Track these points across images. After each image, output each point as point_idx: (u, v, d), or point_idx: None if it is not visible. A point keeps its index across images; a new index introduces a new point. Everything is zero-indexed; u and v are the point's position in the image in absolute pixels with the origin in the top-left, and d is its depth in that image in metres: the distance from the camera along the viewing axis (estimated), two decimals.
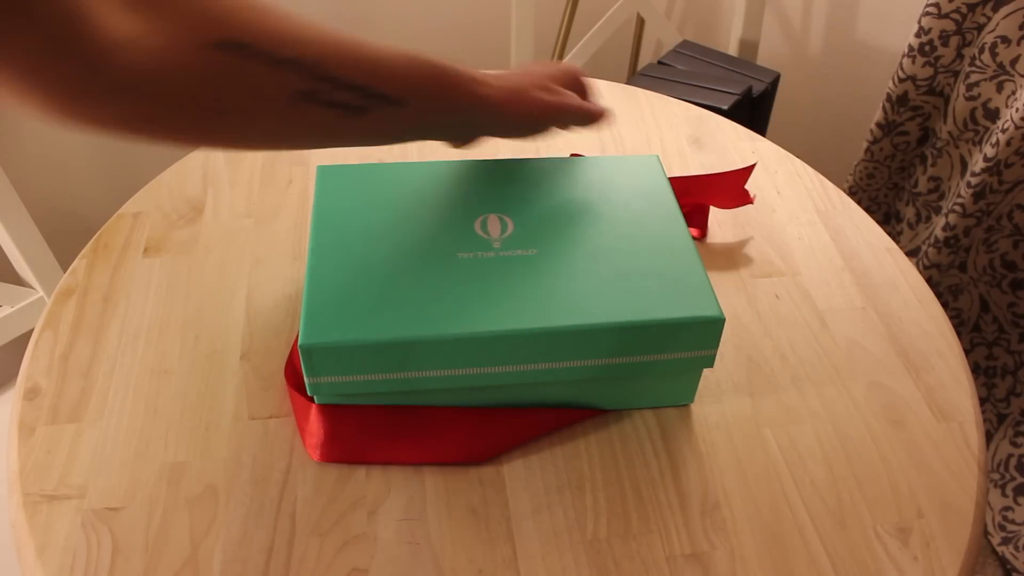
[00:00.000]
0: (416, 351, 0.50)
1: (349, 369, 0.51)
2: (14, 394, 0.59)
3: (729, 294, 0.67)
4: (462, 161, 0.63)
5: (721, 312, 0.52)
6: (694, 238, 0.69)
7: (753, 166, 0.73)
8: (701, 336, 0.53)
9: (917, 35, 1.13)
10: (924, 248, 1.19)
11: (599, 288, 0.53)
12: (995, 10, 1.06)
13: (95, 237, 0.70)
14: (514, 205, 0.59)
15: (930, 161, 1.22)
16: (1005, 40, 1.06)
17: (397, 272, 0.53)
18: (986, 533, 1.19)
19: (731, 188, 0.73)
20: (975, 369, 1.20)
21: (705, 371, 0.61)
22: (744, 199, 0.73)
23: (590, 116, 0.62)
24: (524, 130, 0.59)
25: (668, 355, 0.54)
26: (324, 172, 0.61)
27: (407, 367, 0.51)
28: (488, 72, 0.57)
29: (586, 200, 0.60)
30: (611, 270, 0.54)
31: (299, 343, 0.49)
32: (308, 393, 0.53)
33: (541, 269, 0.54)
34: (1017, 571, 1.14)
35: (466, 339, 0.50)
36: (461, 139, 0.58)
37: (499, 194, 0.60)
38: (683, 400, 0.58)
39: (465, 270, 0.54)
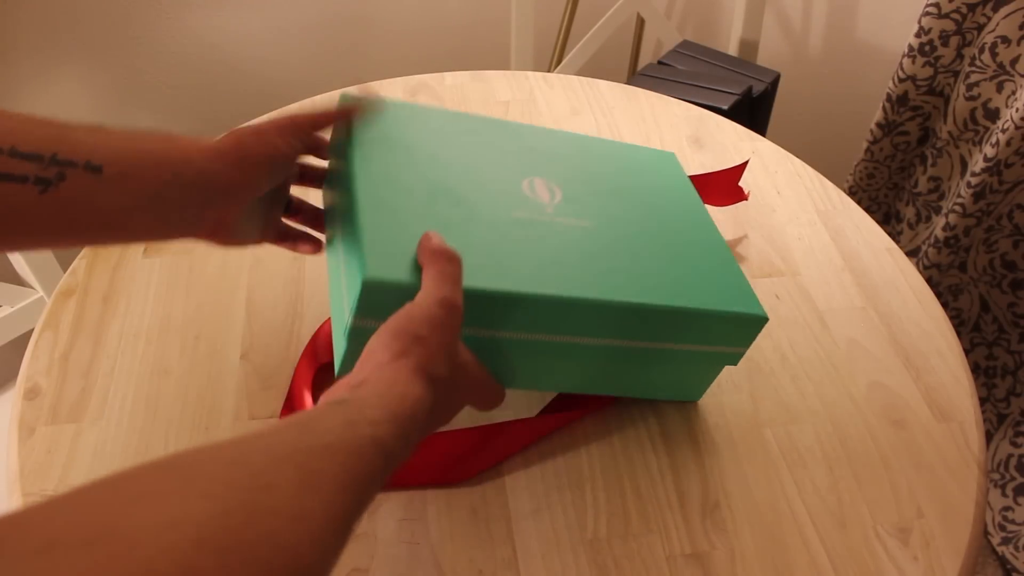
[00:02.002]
0: (474, 304, 0.46)
1: None
2: (14, 394, 0.59)
3: None
4: (498, 120, 0.61)
5: (765, 312, 0.53)
6: None
7: (746, 163, 0.73)
8: (741, 333, 0.54)
9: (917, 35, 1.13)
10: (924, 248, 1.19)
11: (654, 270, 0.53)
12: (995, 10, 1.06)
13: None
14: (557, 173, 0.58)
15: (930, 161, 1.22)
16: (1005, 40, 1.06)
17: (454, 221, 0.50)
18: (986, 533, 1.19)
19: (725, 186, 0.73)
20: (975, 369, 1.20)
21: None
22: (739, 196, 0.73)
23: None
24: (265, 175, 0.48)
25: (703, 347, 0.54)
26: (345, 100, 0.56)
27: (464, 320, 0.47)
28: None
29: (622, 182, 0.60)
30: (659, 255, 0.54)
31: (364, 277, 0.44)
32: (345, 337, 0.47)
33: (599, 243, 0.53)
34: (1017, 571, 1.14)
35: (528, 300, 0.47)
36: (186, 224, 0.47)
37: (540, 159, 0.59)
38: (692, 396, 0.58)
39: (523, 230, 0.52)
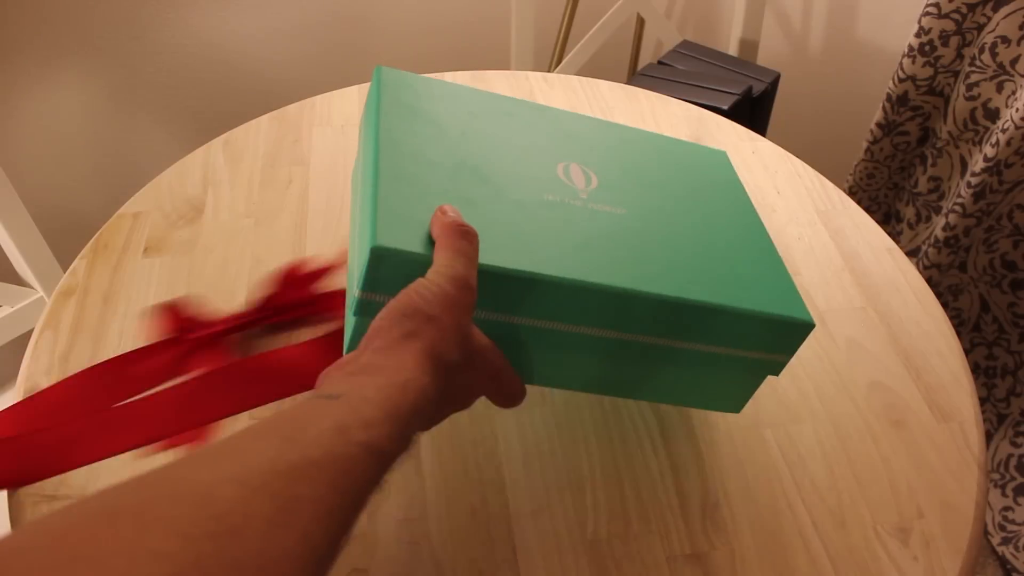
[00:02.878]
0: (495, 285, 0.44)
1: None
2: (14, 394, 0.59)
3: None
4: (538, 104, 0.58)
5: (812, 318, 0.49)
6: None
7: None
8: (785, 339, 0.50)
9: (917, 35, 1.13)
10: (924, 248, 1.19)
11: (690, 264, 0.49)
12: (995, 10, 1.06)
13: (95, 237, 0.70)
14: (595, 159, 0.55)
15: (930, 161, 1.22)
16: (1005, 40, 1.06)
17: (480, 198, 0.47)
18: (986, 533, 1.19)
19: None
20: (975, 369, 1.20)
21: None
22: None
23: None
24: None
25: (741, 351, 0.50)
26: (387, 74, 0.54)
27: (477, 302, 0.44)
28: None
29: (667, 175, 0.57)
30: (701, 251, 0.51)
31: (371, 244, 0.41)
32: (354, 314, 0.44)
33: (634, 231, 0.50)
34: (1017, 571, 1.14)
35: (552, 283, 0.44)
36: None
37: (579, 145, 0.56)
38: (732, 407, 0.54)
39: (555, 212, 0.49)
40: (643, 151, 0.58)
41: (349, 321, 0.46)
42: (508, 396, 0.46)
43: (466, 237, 0.42)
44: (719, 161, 0.61)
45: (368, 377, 0.36)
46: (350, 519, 0.31)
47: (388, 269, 0.42)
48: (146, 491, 0.26)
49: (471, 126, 0.53)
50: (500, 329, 0.46)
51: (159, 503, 0.26)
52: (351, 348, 0.45)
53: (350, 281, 0.48)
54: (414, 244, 0.42)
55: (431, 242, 0.42)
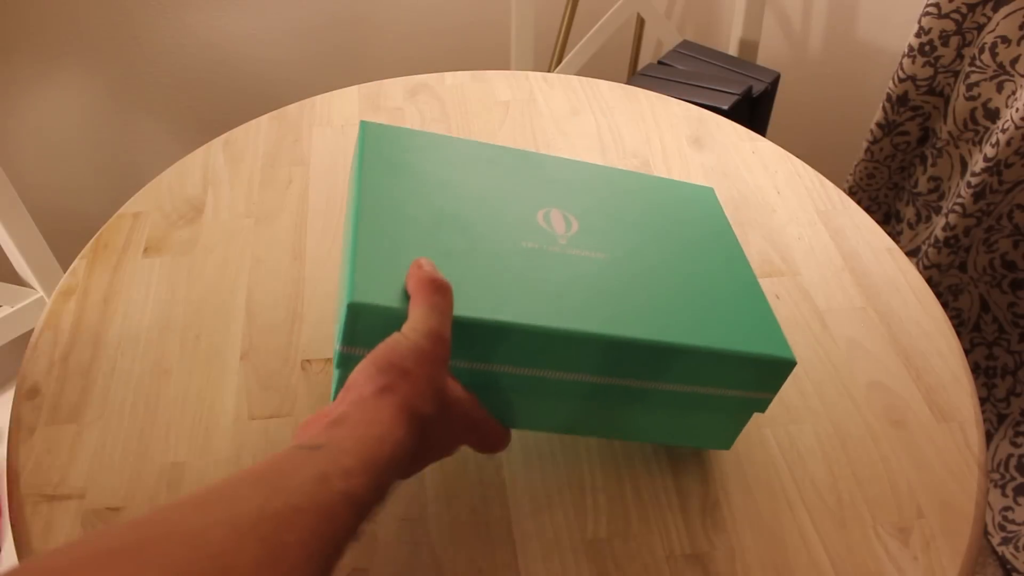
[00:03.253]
0: (472, 335, 0.45)
1: None
2: (14, 394, 0.59)
3: None
4: (521, 150, 0.59)
5: (794, 356, 0.49)
6: None
7: None
8: (767, 376, 0.49)
9: (917, 35, 1.13)
10: (924, 248, 1.19)
11: (672, 306, 0.49)
12: (995, 10, 1.06)
13: (95, 237, 0.70)
14: (577, 203, 0.55)
15: (930, 161, 1.22)
16: (1005, 40, 1.06)
17: (457, 249, 0.48)
18: (986, 533, 1.19)
19: None
20: (975, 369, 1.20)
21: None
22: None
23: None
24: None
25: (727, 391, 0.50)
26: (370, 129, 0.56)
27: (455, 354, 0.45)
28: None
29: (648, 216, 0.57)
30: (683, 291, 0.51)
31: (348, 301, 0.43)
32: (336, 365, 0.46)
33: (611, 275, 0.50)
34: (1017, 571, 1.14)
35: (526, 332, 0.45)
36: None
37: (561, 190, 0.56)
38: (720, 444, 0.54)
39: (531, 260, 0.49)
40: (627, 192, 0.59)
41: (334, 373, 0.47)
42: (490, 445, 0.47)
43: (440, 291, 0.43)
44: (705, 198, 0.61)
45: (346, 429, 0.37)
46: (331, 565, 0.32)
47: (366, 324, 0.43)
48: (142, 531, 0.28)
49: (452, 177, 0.54)
50: (481, 377, 0.47)
51: (156, 543, 0.27)
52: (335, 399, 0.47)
53: (335, 331, 0.50)
54: (390, 299, 0.44)
55: (406, 296, 0.44)
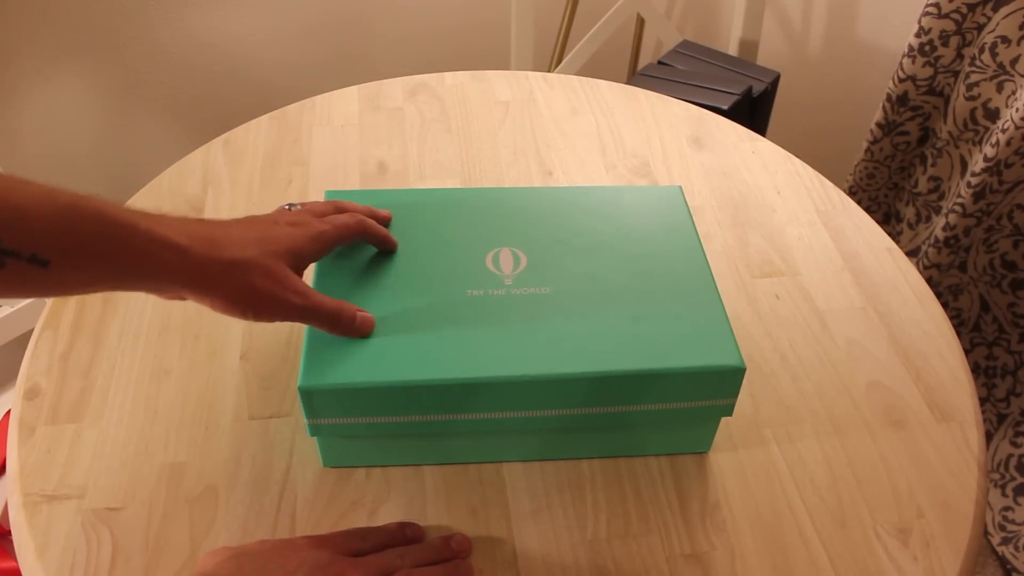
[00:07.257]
0: (420, 395, 0.49)
1: (351, 411, 0.50)
2: (14, 394, 0.59)
3: (729, 294, 0.67)
4: (476, 189, 0.61)
5: (742, 361, 0.50)
6: None
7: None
8: (720, 385, 0.50)
9: (917, 35, 1.13)
10: (924, 248, 1.19)
11: (614, 332, 0.51)
12: (995, 10, 1.06)
13: None
14: (529, 237, 0.57)
15: (930, 161, 1.22)
16: (1005, 40, 1.06)
17: (403, 311, 0.52)
18: (986, 533, 1.19)
19: None
20: (975, 369, 1.20)
21: None
22: None
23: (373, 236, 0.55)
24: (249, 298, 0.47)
25: (684, 403, 0.51)
26: (330, 197, 0.59)
27: (410, 410, 0.50)
28: (209, 221, 0.50)
29: (604, 234, 0.58)
30: (627, 312, 0.52)
31: (299, 385, 0.48)
32: (309, 434, 0.51)
33: (553, 310, 0.52)
34: (1017, 571, 1.14)
35: (472, 384, 0.49)
36: (157, 293, 0.48)
37: (513, 225, 0.58)
38: (699, 448, 0.56)
39: (474, 309, 0.52)
40: (585, 213, 0.60)
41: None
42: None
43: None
44: (670, 201, 0.61)
45: None
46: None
47: (320, 400, 0.49)
48: None
49: (405, 233, 0.57)
50: (448, 426, 0.51)
51: None
52: (326, 463, 0.54)
53: None
54: (338, 376, 0.48)
55: (356, 366, 0.49)
